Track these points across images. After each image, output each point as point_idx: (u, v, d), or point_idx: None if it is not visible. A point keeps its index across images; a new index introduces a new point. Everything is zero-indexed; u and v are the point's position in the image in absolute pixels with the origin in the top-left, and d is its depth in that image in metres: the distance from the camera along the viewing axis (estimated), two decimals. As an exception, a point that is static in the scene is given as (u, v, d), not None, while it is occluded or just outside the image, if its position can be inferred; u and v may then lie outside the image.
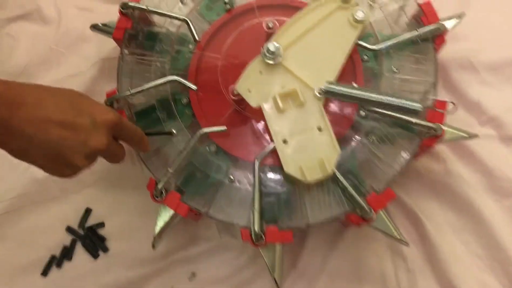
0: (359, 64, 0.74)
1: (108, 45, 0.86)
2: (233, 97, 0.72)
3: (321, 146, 0.65)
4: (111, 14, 0.78)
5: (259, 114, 0.69)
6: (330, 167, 0.63)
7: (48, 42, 0.92)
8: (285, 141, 0.66)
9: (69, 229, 0.81)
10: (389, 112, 0.67)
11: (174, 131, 0.72)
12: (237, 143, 0.72)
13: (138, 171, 0.81)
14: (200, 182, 0.71)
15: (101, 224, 0.81)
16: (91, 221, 0.82)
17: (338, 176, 0.66)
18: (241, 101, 0.71)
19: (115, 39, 0.76)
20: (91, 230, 0.81)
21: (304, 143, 0.65)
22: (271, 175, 0.70)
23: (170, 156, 0.71)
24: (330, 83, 0.64)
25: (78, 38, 0.91)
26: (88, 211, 0.82)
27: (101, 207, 0.83)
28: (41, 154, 0.47)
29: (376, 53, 0.75)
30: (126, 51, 0.75)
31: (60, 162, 0.49)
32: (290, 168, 0.65)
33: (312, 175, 0.63)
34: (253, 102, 0.67)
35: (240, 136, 0.73)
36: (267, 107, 0.67)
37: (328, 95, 0.65)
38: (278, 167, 0.69)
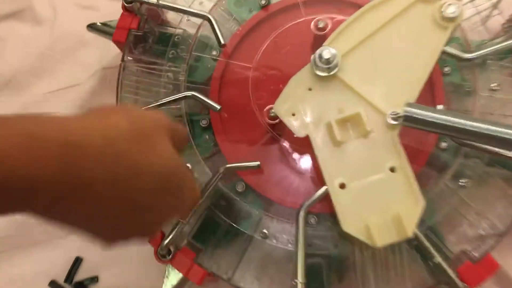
0: (438, 78, 0.55)
1: (112, 51, 0.68)
2: (269, 121, 0.53)
3: (395, 195, 0.46)
4: (118, 14, 0.61)
5: (305, 145, 0.51)
6: (411, 227, 0.44)
7: (41, 46, 0.75)
8: (342, 186, 0.47)
9: (54, 285, 0.64)
10: (491, 147, 0.47)
11: (189, 165, 0.53)
12: (274, 182, 0.53)
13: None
14: (222, 236, 0.52)
15: (94, 279, 0.64)
16: (81, 274, 0.65)
17: (420, 238, 0.47)
18: (280, 127, 0.53)
19: (116, 42, 0.58)
20: (81, 286, 0.63)
21: (371, 190, 0.46)
22: (319, 229, 0.51)
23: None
24: (411, 105, 0.45)
25: (76, 42, 0.74)
26: (78, 261, 0.65)
27: (95, 256, 0.65)
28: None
29: (462, 65, 0.55)
30: (129, 58, 0.57)
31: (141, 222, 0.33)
32: (351, 225, 0.45)
33: (383, 238, 0.44)
34: (297, 130, 0.48)
35: (278, 174, 0.54)
36: (317, 138, 0.48)
37: (407, 123, 0.45)
38: (329, 215, 0.50)
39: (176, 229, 0.50)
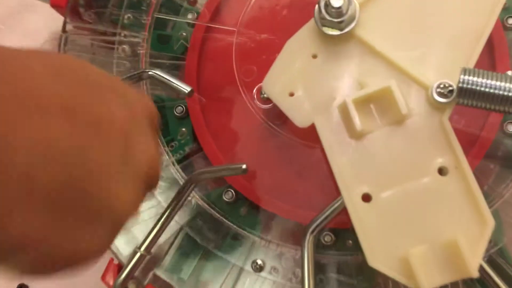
0: (499, 34, 0.39)
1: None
2: (262, 105, 0.38)
3: (448, 210, 0.30)
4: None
5: (311, 137, 0.35)
6: (475, 260, 0.28)
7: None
8: (367, 198, 0.31)
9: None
10: None
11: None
12: (273, 189, 0.38)
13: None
14: (201, 268, 0.37)
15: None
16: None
17: (485, 269, 0.31)
18: (277, 113, 0.37)
19: (56, 7, 0.43)
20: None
21: (410, 203, 0.31)
22: (330, 252, 0.36)
23: (146, 217, 0.38)
24: (470, 72, 0.29)
25: (21, 7, 0.59)
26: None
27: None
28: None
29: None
30: (70, 26, 0.42)
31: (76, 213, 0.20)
32: (380, 257, 0.30)
33: (432, 278, 0.29)
34: (298, 117, 0.33)
35: (279, 178, 0.39)
36: (327, 128, 0.32)
37: (464, 99, 0.29)
38: (346, 232, 0.35)
39: (136, 257, 0.36)
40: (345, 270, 0.38)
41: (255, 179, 0.39)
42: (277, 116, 0.38)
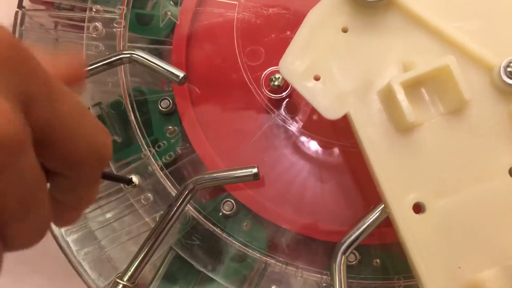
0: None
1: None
2: (271, 95, 0.31)
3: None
4: None
5: (338, 134, 0.28)
6: None
7: None
8: (419, 208, 0.24)
9: None
10: None
11: (136, 180, 0.31)
12: (284, 198, 0.31)
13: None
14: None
15: None
16: None
17: None
18: (291, 104, 0.30)
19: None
20: None
21: (475, 214, 0.24)
22: (353, 274, 0.29)
23: (124, 238, 0.31)
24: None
25: None
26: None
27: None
28: None
29: None
30: (28, 5, 0.34)
31: None
32: (439, 284, 0.23)
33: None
34: (326, 107, 0.26)
35: (292, 184, 0.31)
36: (366, 119, 0.25)
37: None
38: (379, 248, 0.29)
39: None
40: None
41: (261, 186, 0.32)
42: (291, 108, 0.31)
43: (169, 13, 0.35)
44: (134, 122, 0.32)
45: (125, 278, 0.27)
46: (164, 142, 0.32)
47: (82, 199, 0.19)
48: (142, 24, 0.36)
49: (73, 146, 0.16)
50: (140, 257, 0.27)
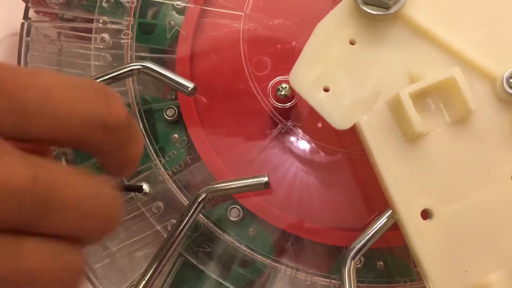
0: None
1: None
2: (278, 104, 0.31)
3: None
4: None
5: (344, 142, 0.29)
6: None
7: None
8: (427, 215, 0.25)
9: None
10: None
11: (146, 187, 0.31)
12: (291, 204, 0.32)
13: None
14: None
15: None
16: None
17: None
18: (297, 114, 0.31)
19: (14, -11, 0.35)
20: None
21: (481, 219, 0.25)
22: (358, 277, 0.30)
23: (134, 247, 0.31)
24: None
25: None
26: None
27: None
28: None
29: None
30: (33, 16, 0.34)
31: None
32: (446, 284, 0.24)
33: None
34: (336, 117, 0.26)
35: (298, 191, 0.32)
36: (374, 128, 0.26)
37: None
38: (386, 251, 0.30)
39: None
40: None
41: (269, 193, 0.33)
42: (298, 117, 0.32)
43: (172, 22, 0.36)
44: (143, 131, 0.33)
45: (140, 287, 0.28)
46: (174, 151, 0.33)
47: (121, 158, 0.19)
48: (145, 33, 0.36)
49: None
50: (154, 266, 0.28)
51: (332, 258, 0.32)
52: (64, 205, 0.15)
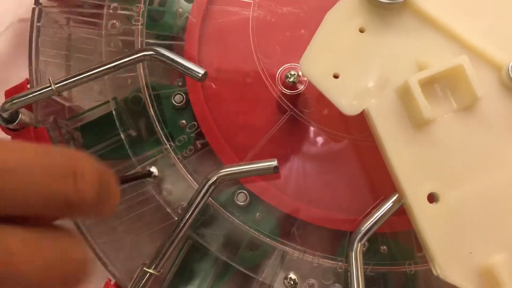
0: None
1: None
2: (286, 91, 0.32)
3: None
4: None
5: (352, 128, 0.30)
6: None
7: None
8: (433, 198, 0.26)
9: None
10: None
11: (155, 171, 0.32)
12: (298, 189, 0.33)
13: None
14: (217, 283, 0.31)
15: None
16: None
17: None
18: (305, 100, 0.32)
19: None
20: None
21: (486, 203, 0.26)
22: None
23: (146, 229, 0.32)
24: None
25: None
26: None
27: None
28: None
29: None
30: (44, 1, 0.34)
31: None
32: (454, 268, 0.25)
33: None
34: (346, 104, 0.27)
35: (305, 176, 0.33)
36: (383, 114, 0.27)
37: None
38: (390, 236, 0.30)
39: (146, 278, 0.29)
40: (381, 282, 0.33)
41: (276, 178, 0.33)
42: (305, 103, 0.33)
43: (181, 9, 0.36)
44: (154, 116, 0.33)
45: (152, 267, 0.29)
46: (184, 136, 0.33)
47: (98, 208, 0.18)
48: (153, 20, 0.37)
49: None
50: (166, 247, 0.29)
51: (336, 241, 0.33)
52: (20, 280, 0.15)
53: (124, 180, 0.31)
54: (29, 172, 0.16)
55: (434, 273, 0.26)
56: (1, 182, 0.15)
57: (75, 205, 0.17)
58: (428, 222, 0.26)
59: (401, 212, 0.28)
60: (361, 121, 0.29)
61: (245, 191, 0.34)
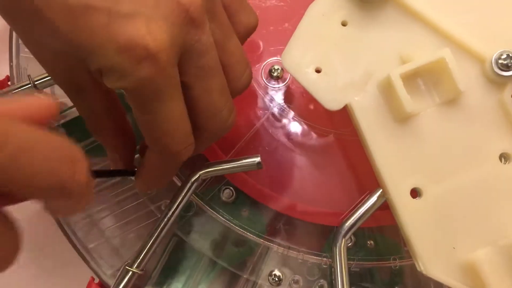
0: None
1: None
2: (269, 85, 0.32)
3: (515, 206, 0.25)
4: None
5: (336, 123, 0.30)
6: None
7: None
8: (416, 193, 0.26)
9: None
10: None
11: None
12: (283, 185, 0.32)
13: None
14: (204, 281, 0.31)
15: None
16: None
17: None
18: (289, 95, 0.31)
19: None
20: None
21: (468, 198, 0.26)
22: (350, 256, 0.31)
23: (129, 227, 0.31)
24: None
25: None
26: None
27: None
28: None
29: None
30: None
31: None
32: (437, 263, 0.25)
33: (504, 284, 0.24)
34: (328, 99, 0.27)
35: (291, 171, 0.33)
36: (365, 109, 0.26)
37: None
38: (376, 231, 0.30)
39: (128, 276, 0.29)
40: (367, 277, 0.33)
41: (261, 174, 0.33)
42: (289, 98, 0.32)
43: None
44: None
45: (134, 266, 0.28)
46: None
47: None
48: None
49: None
50: (148, 245, 0.28)
51: (323, 238, 0.33)
52: None
53: (99, 174, 0.30)
54: (35, 154, 0.16)
55: (418, 269, 0.26)
56: (10, 161, 0.15)
57: (69, 191, 0.17)
58: (411, 217, 0.26)
59: (387, 207, 0.28)
60: (347, 116, 0.28)
61: (230, 188, 0.33)
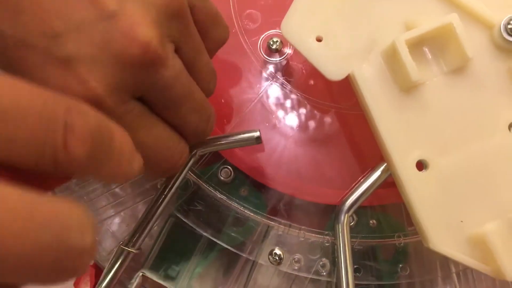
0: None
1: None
2: (268, 58, 0.30)
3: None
4: None
5: (337, 96, 0.29)
6: None
7: None
8: (422, 166, 0.25)
9: None
10: None
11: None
12: (282, 162, 0.31)
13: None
14: (202, 263, 0.30)
15: None
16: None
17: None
18: (289, 68, 0.30)
19: None
20: None
21: (476, 169, 0.25)
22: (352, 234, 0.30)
23: (124, 206, 0.30)
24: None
25: None
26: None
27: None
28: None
29: None
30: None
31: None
32: (444, 238, 0.24)
33: (514, 260, 0.23)
34: (330, 68, 0.26)
35: (290, 148, 0.32)
36: (369, 78, 0.25)
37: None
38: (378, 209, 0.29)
39: (123, 256, 0.28)
40: (370, 255, 0.32)
41: (260, 152, 0.32)
42: (289, 72, 0.31)
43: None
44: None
45: (130, 245, 0.27)
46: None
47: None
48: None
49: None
50: (144, 224, 0.27)
51: (325, 216, 0.32)
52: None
53: None
54: (20, 116, 0.14)
55: (425, 244, 0.25)
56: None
57: (62, 162, 0.15)
58: (417, 190, 0.25)
59: (390, 185, 0.27)
60: (347, 90, 0.27)
61: (229, 167, 0.32)
